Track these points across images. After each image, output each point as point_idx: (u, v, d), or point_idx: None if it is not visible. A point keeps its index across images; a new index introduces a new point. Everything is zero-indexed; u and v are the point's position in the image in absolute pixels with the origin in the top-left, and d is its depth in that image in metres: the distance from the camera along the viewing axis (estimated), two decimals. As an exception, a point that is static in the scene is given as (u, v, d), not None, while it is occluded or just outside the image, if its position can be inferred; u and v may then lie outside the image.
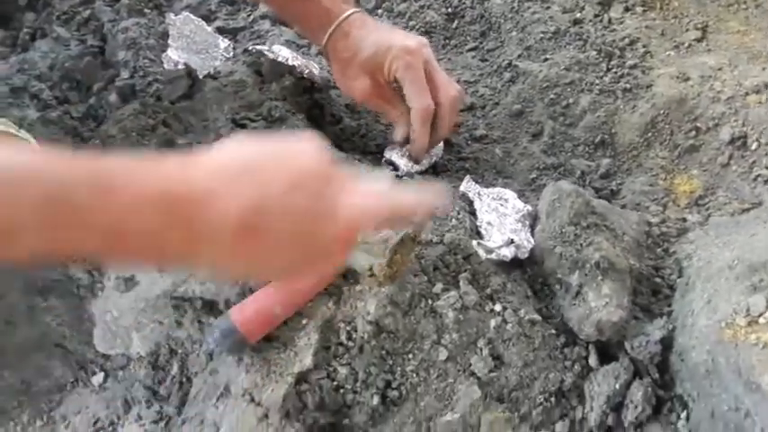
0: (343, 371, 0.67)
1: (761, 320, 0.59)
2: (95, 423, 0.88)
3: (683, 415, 0.66)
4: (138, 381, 0.89)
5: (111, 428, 0.87)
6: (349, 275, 0.70)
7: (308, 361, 0.67)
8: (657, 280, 0.74)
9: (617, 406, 0.67)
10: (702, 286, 0.66)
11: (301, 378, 0.67)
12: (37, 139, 0.90)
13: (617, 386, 0.66)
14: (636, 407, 0.65)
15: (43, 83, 1.17)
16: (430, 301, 0.69)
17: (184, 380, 0.87)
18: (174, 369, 0.88)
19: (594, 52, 0.99)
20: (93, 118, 1.19)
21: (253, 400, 0.68)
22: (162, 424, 0.85)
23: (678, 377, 0.67)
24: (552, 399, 0.67)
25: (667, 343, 0.68)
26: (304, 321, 0.69)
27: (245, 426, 0.67)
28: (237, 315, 0.67)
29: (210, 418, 0.76)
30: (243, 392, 0.70)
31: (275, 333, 0.69)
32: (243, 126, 0.89)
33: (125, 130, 0.93)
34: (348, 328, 0.68)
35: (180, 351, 0.87)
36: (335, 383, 0.67)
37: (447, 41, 1.10)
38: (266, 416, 0.66)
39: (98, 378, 0.92)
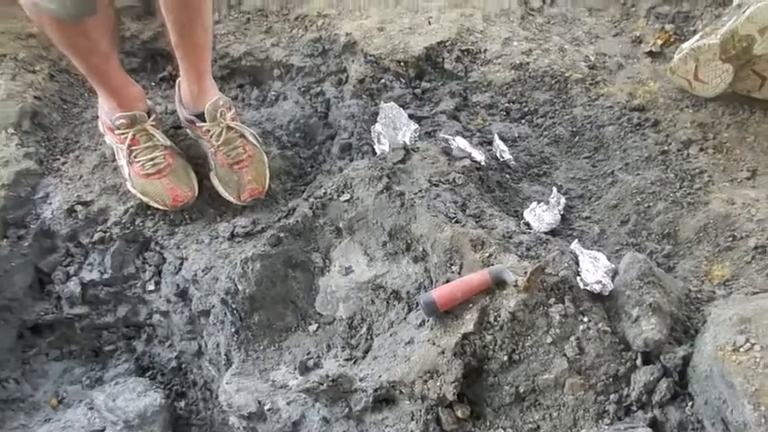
0: (488, 337, 1.16)
1: (740, 350, 1.03)
2: (307, 354, 1.39)
3: (690, 403, 1.09)
4: (338, 333, 1.40)
5: (316, 359, 1.38)
6: (501, 284, 1.19)
7: (470, 327, 1.16)
8: (688, 324, 1.18)
9: (650, 392, 1.11)
10: (713, 329, 1.11)
11: (465, 336, 1.16)
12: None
13: (651, 379, 1.11)
14: (661, 393, 1.09)
15: (282, 131, 1.78)
16: (546, 308, 1.17)
17: (369, 337, 1.37)
18: (363, 330, 1.38)
19: (673, 175, 1.47)
20: (314, 160, 1.77)
21: (434, 344, 1.18)
22: (351, 362, 1.34)
23: (690, 381, 1.11)
24: (610, 379, 1.13)
25: (687, 360, 1.12)
26: (471, 305, 1.18)
27: (428, 358, 1.16)
28: (437, 294, 1.18)
29: (388, 359, 1.23)
30: (426, 340, 1.20)
31: (454, 308, 1.19)
32: (436, 185, 1.42)
33: (359, 174, 1.47)
34: (495, 314, 1.17)
35: (368, 319, 1.38)
36: (483, 343, 1.16)
37: (570, 150, 1.61)
38: (443, 353, 1.15)
39: (313, 327, 1.44)
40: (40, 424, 1.47)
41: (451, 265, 1.26)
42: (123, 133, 1.49)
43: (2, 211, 1.52)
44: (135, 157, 1.50)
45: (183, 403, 1.54)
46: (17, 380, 1.52)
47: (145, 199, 1.52)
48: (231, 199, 1.56)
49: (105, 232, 1.55)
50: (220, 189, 1.57)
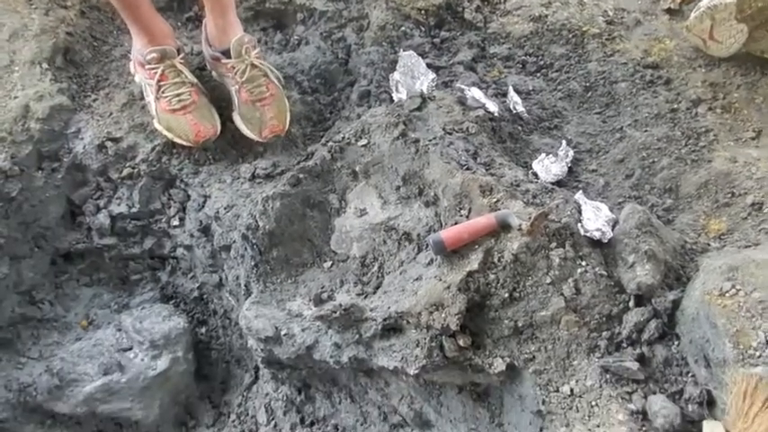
0: (491, 275, 1.24)
1: (726, 295, 1.10)
2: (321, 288, 1.48)
3: (676, 343, 1.18)
4: (351, 270, 1.49)
5: (330, 293, 1.47)
6: (506, 228, 1.26)
7: (475, 266, 1.24)
8: (681, 272, 1.25)
9: (639, 330, 1.19)
10: (703, 276, 1.18)
11: (469, 274, 1.24)
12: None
13: (641, 319, 1.19)
14: (650, 332, 1.18)
15: (304, 76, 1.83)
16: (547, 251, 1.24)
17: (380, 275, 1.46)
18: (375, 268, 1.47)
19: (680, 132, 1.52)
20: (333, 106, 1.83)
21: (441, 280, 1.26)
22: (362, 296, 1.44)
23: (678, 322, 1.19)
24: (603, 318, 1.21)
25: (677, 304, 1.20)
26: (476, 246, 1.26)
27: (435, 292, 1.25)
28: (445, 234, 1.26)
29: (397, 293, 1.33)
30: (434, 277, 1.28)
31: (461, 249, 1.27)
32: (449, 134, 1.48)
33: (377, 120, 1.53)
34: (499, 255, 1.25)
35: (380, 258, 1.47)
36: (486, 281, 1.24)
37: (582, 105, 1.65)
38: (448, 288, 1.24)
39: (327, 264, 1.53)
40: (72, 342, 1.59)
41: (461, 209, 1.33)
42: (153, 68, 1.55)
43: (37, 143, 1.60)
44: (162, 92, 1.56)
45: (203, 330, 1.65)
46: (51, 302, 1.64)
47: (169, 135, 1.59)
48: (252, 136, 1.63)
49: (133, 168, 1.64)
50: (242, 127, 1.63)
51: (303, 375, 1.48)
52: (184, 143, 1.59)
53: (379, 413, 1.43)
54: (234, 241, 1.54)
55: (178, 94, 1.56)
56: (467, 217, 1.31)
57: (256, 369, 1.59)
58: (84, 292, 1.68)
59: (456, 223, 1.30)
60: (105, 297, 1.68)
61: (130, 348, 1.53)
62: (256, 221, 1.47)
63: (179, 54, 1.58)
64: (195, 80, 1.61)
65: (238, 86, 1.61)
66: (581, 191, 1.36)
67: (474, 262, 1.25)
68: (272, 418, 1.48)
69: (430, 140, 1.45)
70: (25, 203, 1.58)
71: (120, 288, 1.70)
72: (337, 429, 1.45)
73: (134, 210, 1.64)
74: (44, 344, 1.58)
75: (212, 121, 1.60)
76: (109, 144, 1.64)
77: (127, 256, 1.68)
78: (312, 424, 1.46)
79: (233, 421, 1.54)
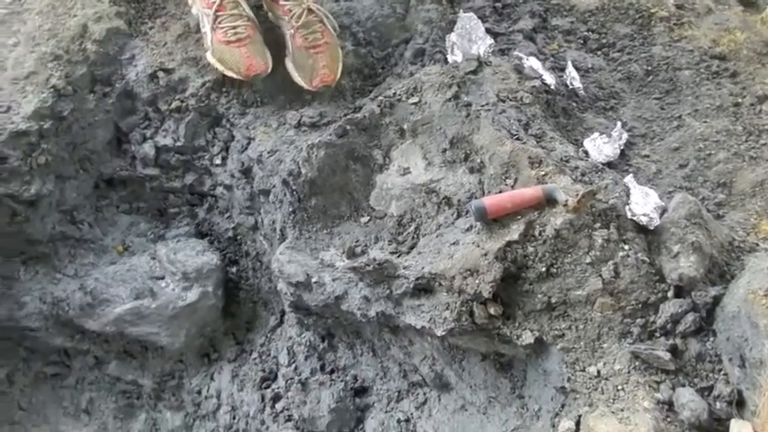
0: (530, 248, 1.23)
1: (772, 295, 1.08)
2: (356, 242, 1.48)
3: (712, 339, 1.16)
4: (387, 228, 1.48)
5: (364, 247, 1.47)
6: (552, 202, 1.24)
7: (515, 236, 1.23)
8: (725, 269, 1.23)
9: (675, 322, 1.17)
10: (749, 275, 1.15)
11: (508, 244, 1.23)
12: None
13: (679, 311, 1.17)
14: (686, 324, 1.16)
15: (359, 27, 1.81)
16: (590, 231, 1.22)
17: (416, 236, 1.45)
18: (411, 228, 1.46)
19: (741, 127, 1.46)
20: (386, 61, 1.80)
21: (478, 246, 1.25)
22: (396, 255, 1.44)
23: (716, 319, 1.16)
24: (640, 305, 1.19)
25: (717, 300, 1.17)
26: (519, 217, 1.25)
27: (471, 257, 1.24)
28: (488, 201, 1.25)
29: (432, 255, 1.32)
30: (471, 243, 1.27)
31: (502, 218, 1.25)
32: (503, 101, 1.45)
33: (430, 79, 1.50)
34: (540, 228, 1.23)
35: (417, 219, 1.46)
36: (524, 253, 1.23)
37: (641, 89, 1.60)
38: (485, 255, 1.23)
39: (364, 219, 1.53)
40: (107, 264, 1.63)
41: (506, 178, 1.31)
42: None
43: (92, 65, 1.61)
44: (219, 23, 1.55)
45: (234, 269, 1.68)
46: (90, 224, 1.68)
47: (221, 67, 1.58)
48: (303, 83, 1.61)
49: (182, 102, 1.64)
50: (293, 73, 1.62)
51: (328, 324, 1.50)
52: (235, 76, 1.58)
53: (399, 370, 1.44)
54: (274, 186, 1.55)
55: (234, 27, 1.55)
56: (512, 187, 1.29)
57: (282, 313, 1.61)
58: (123, 219, 1.71)
59: (501, 192, 1.29)
60: (142, 226, 1.71)
61: (162, 277, 1.56)
62: (299, 168, 1.47)
63: None
64: (252, 15, 1.59)
65: (293, 31, 1.59)
66: (631, 174, 1.33)
67: (514, 232, 1.23)
68: (293, 361, 1.50)
69: (482, 106, 1.43)
70: (75, 124, 1.60)
71: (157, 219, 1.73)
72: (356, 380, 1.47)
73: (179, 144, 1.65)
74: (80, 263, 1.62)
75: (264, 58, 1.59)
76: (161, 74, 1.65)
77: (167, 189, 1.70)
78: (332, 372, 1.48)
79: (254, 359, 1.57)
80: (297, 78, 1.62)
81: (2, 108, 1.53)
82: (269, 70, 1.59)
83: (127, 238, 1.69)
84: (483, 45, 1.63)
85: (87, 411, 1.59)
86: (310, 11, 1.59)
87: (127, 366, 1.61)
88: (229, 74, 1.57)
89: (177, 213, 1.73)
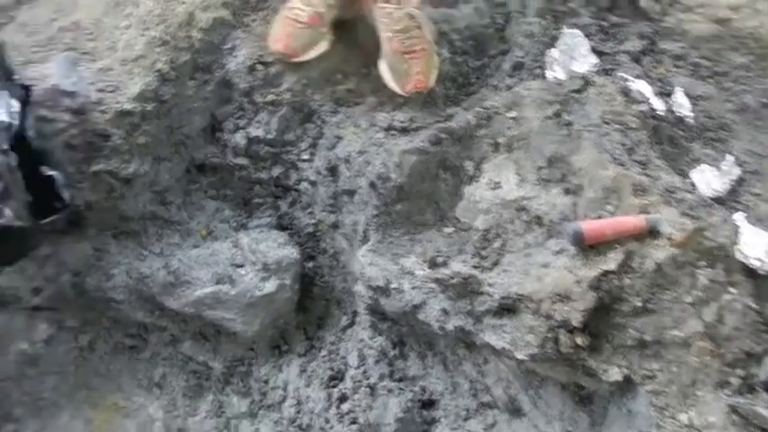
0: (627, 280, 1.18)
1: None
2: (438, 252, 1.45)
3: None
4: (471, 241, 1.45)
5: (446, 258, 1.44)
6: (655, 234, 1.18)
7: (612, 266, 1.18)
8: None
9: None
10: None
11: (604, 273, 1.18)
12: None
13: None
14: None
15: (456, 35, 1.77)
16: (694, 269, 1.16)
17: (501, 253, 1.41)
18: (497, 244, 1.42)
19: None
20: (481, 72, 1.77)
21: (571, 272, 1.21)
22: (478, 269, 1.40)
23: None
24: (742, 355, 1.12)
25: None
26: (617, 246, 1.19)
27: (563, 283, 1.20)
28: (586, 225, 1.20)
29: (519, 275, 1.28)
30: (563, 267, 1.23)
31: (599, 245, 1.20)
32: (607, 123, 1.39)
33: (531, 94, 1.47)
34: (640, 260, 1.18)
35: (504, 235, 1.42)
36: (620, 285, 1.18)
37: (754, 122, 1.51)
38: (579, 282, 1.18)
39: (449, 230, 1.50)
40: (191, 247, 1.67)
41: (607, 204, 1.26)
42: None
43: (195, 53, 1.66)
44: (291, 4, 1.59)
45: (311, 264, 1.68)
46: (179, 206, 1.72)
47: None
48: (396, 88, 1.60)
49: (277, 96, 1.66)
50: (386, 76, 1.61)
51: (402, 331, 1.48)
52: (265, 42, 1.63)
53: (470, 387, 1.41)
54: (360, 187, 1.54)
55: (299, 8, 1.58)
56: (612, 214, 1.24)
57: (354, 314, 1.61)
58: (210, 204, 1.74)
59: (599, 218, 1.24)
60: (227, 213, 1.74)
61: (243, 265, 1.58)
62: (389, 172, 1.47)
63: None
64: (323, 10, 1.59)
65: (391, 34, 1.59)
66: (742, 212, 1.25)
67: (612, 261, 1.18)
68: (363, 364, 1.50)
69: (584, 126, 1.38)
70: (174, 109, 1.65)
71: (241, 207, 1.76)
72: (424, 392, 1.44)
73: (270, 136, 1.67)
74: (166, 243, 1.67)
75: (301, 44, 1.60)
76: (259, 67, 1.67)
77: (254, 180, 1.73)
78: (400, 380, 1.46)
79: (323, 356, 1.57)
80: (390, 82, 1.62)
81: (110, 87, 1.60)
82: (292, 57, 1.62)
83: (211, 223, 1.73)
84: (586, 63, 1.58)
85: (159, 385, 1.63)
86: (410, 16, 1.58)
87: (200, 347, 1.64)
88: (266, 43, 1.64)
89: (261, 204, 1.75)
